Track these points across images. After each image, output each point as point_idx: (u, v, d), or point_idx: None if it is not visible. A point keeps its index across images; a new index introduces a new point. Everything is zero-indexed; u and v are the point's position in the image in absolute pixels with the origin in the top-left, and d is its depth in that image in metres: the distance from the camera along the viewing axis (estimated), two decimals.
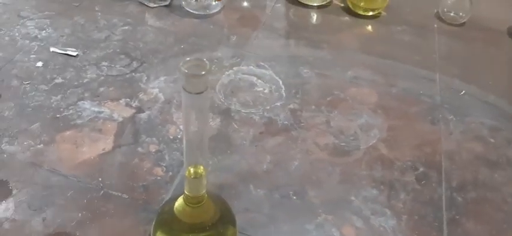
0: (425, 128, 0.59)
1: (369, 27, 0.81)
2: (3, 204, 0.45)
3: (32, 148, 0.51)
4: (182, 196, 0.39)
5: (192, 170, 0.36)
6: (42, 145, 0.52)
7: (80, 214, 0.45)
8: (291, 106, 0.60)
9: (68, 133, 0.53)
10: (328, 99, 0.62)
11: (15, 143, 0.52)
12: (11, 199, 0.46)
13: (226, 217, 0.40)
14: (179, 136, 0.54)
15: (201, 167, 0.36)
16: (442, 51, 0.75)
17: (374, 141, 0.56)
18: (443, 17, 0.85)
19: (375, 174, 0.52)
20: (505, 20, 0.84)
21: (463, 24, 0.83)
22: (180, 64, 0.29)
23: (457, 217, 0.48)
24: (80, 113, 0.56)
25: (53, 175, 0.48)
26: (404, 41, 0.78)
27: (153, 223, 0.41)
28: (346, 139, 0.56)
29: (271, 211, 0.47)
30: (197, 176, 0.36)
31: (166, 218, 0.40)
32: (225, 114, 0.58)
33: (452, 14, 0.84)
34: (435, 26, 0.83)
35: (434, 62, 0.72)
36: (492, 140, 0.58)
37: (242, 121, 0.57)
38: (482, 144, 0.58)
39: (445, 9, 0.84)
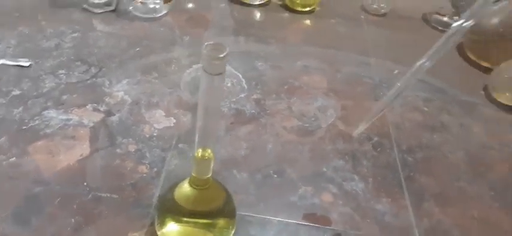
0: (372, 105, 0.67)
1: (308, 22, 0.88)
2: None
3: (4, 162, 0.49)
4: (184, 182, 0.42)
5: (200, 153, 0.38)
6: (14, 158, 0.50)
7: (72, 220, 0.45)
8: (254, 96, 0.65)
9: (39, 143, 0.52)
10: (285, 87, 0.68)
11: None
12: None
13: (229, 206, 0.43)
14: (155, 134, 0.56)
15: (209, 150, 0.39)
16: (372, 39, 0.85)
17: (332, 120, 0.63)
18: (368, 9, 0.95)
19: (339, 147, 0.58)
20: (419, 9, 0.97)
21: (384, 15, 0.94)
22: (202, 47, 0.31)
23: (411, 174, 0.56)
24: (47, 122, 0.55)
25: (34, 185, 0.47)
26: (340, 31, 0.86)
27: (157, 214, 0.43)
28: (308, 120, 0.62)
29: (257, 190, 0.51)
30: (205, 158, 0.39)
31: (169, 206, 0.42)
32: (195, 109, 0.61)
33: (375, 6, 0.94)
34: (362, 17, 0.92)
35: (368, 48, 0.81)
36: (426, 109, 0.68)
37: None
38: (420, 113, 0.67)
39: (369, 2, 0.94)
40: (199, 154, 0.39)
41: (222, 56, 0.32)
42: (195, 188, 0.41)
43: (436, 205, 0.52)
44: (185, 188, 0.42)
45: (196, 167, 0.40)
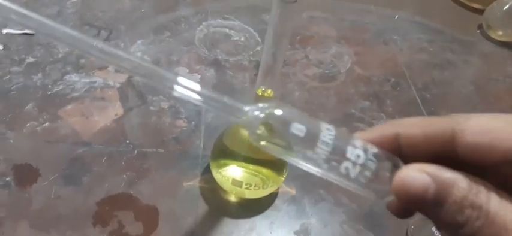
0: (382, 48, 0.69)
1: None
2: (34, 186, 0.42)
3: (38, 128, 0.48)
4: (237, 127, 0.42)
5: (261, 91, 0.39)
6: (48, 123, 0.48)
7: (124, 176, 0.44)
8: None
9: (69, 107, 0.51)
10: (298, 37, 0.68)
11: (16, 128, 0.47)
12: (40, 179, 0.43)
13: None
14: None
15: (269, 90, 0.39)
16: None
17: (349, 65, 0.64)
18: None
19: (361, 90, 0.60)
20: None
21: None
22: None
23: (432, 109, 0.59)
24: (72, 86, 0.53)
25: (75, 147, 0.46)
26: None
27: (212, 160, 0.43)
28: (327, 67, 0.63)
29: None
30: (266, 96, 0.39)
31: (224, 153, 0.42)
32: (216, 64, 0.61)
33: None
34: None
35: None
36: (432, 49, 0.71)
37: (234, 68, 0.60)
38: (426, 53, 0.70)
39: None
40: (260, 92, 0.39)
41: None
42: None
43: None
44: (240, 132, 0.42)
45: None
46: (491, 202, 0.18)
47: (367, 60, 0.66)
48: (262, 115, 0.23)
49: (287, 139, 0.22)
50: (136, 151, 0.47)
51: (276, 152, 0.23)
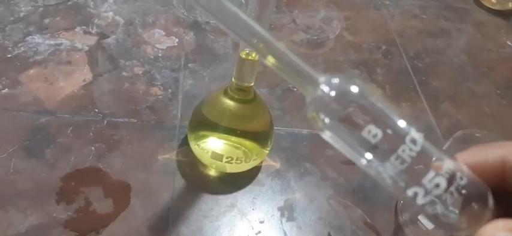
0: (373, 14, 0.66)
1: None
2: None
3: None
4: (218, 94, 0.38)
5: (244, 53, 0.35)
6: (7, 89, 0.44)
7: (92, 148, 0.40)
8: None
9: (31, 71, 0.46)
10: (284, 0, 0.64)
11: None
12: None
13: (270, 125, 0.40)
14: (160, 55, 0.51)
15: (254, 53, 0.35)
16: None
17: (338, 31, 0.61)
18: None
19: (351, 57, 0.57)
20: None
21: None
22: None
23: (423, 78, 0.56)
24: (34, 49, 0.48)
25: (38, 116, 0.42)
26: None
27: (189, 131, 0.39)
28: (315, 33, 0.59)
29: (280, 104, 0.49)
30: (250, 59, 0.35)
31: (199, 122, 0.39)
32: (196, 27, 0.56)
33: None
34: None
35: None
36: (424, 16, 0.68)
37: (215, 32, 0.56)
38: (419, 20, 0.66)
39: None
40: (244, 54, 0.35)
41: None
42: (235, 100, 0.37)
43: (451, 106, 0.53)
44: (220, 101, 0.38)
45: (239, 70, 0.36)
46: None
47: (358, 25, 0.62)
48: (332, 92, 0.17)
49: (354, 137, 0.17)
50: (106, 121, 0.43)
51: (341, 148, 0.18)
